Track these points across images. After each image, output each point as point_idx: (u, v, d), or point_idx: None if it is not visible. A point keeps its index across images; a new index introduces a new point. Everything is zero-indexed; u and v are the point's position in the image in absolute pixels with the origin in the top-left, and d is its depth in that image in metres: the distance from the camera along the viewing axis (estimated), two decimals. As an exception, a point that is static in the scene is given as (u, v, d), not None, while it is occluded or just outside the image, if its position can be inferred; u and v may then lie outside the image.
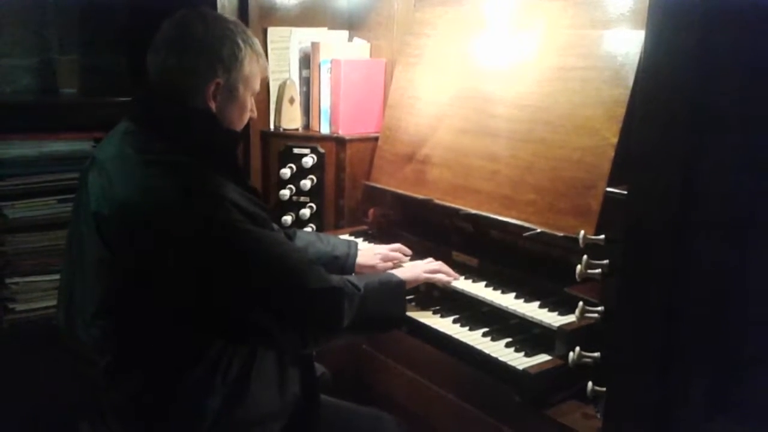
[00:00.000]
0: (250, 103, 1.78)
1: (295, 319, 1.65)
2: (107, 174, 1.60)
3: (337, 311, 1.69)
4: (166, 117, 1.65)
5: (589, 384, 1.56)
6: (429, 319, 2.01)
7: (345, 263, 2.13)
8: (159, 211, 1.53)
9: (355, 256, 2.16)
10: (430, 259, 2.16)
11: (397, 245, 2.30)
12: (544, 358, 1.76)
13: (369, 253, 2.22)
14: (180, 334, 1.59)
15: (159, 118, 1.65)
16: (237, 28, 1.72)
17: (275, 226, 1.76)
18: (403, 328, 2.07)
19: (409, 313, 2.03)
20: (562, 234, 1.88)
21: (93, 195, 1.61)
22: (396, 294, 1.91)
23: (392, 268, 2.16)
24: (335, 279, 1.74)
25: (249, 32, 1.75)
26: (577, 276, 1.64)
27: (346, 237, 2.41)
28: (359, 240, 2.46)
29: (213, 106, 1.68)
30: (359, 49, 2.77)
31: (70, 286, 1.75)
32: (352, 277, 1.85)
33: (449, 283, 2.08)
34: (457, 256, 2.22)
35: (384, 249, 2.27)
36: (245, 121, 1.79)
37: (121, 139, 1.66)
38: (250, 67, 1.72)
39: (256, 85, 1.78)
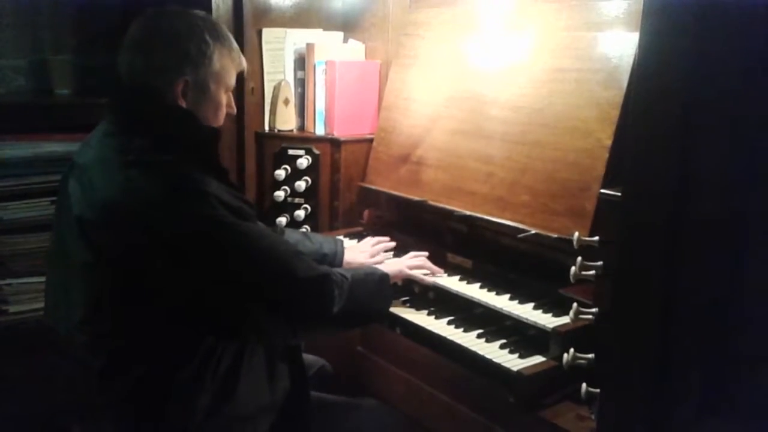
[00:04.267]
0: (226, 98, 1.77)
1: (285, 308, 1.66)
2: (88, 177, 1.60)
3: (327, 298, 1.71)
4: (142, 117, 1.65)
5: (584, 385, 1.56)
6: (424, 320, 2.01)
7: (333, 260, 2.14)
8: (143, 211, 1.52)
9: (343, 253, 2.19)
10: (413, 254, 2.17)
11: (377, 239, 2.34)
12: (538, 359, 1.76)
13: (355, 250, 2.25)
14: (170, 332, 1.59)
15: (135, 119, 1.65)
16: (205, 24, 1.70)
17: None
18: (397, 330, 2.07)
19: (404, 315, 2.03)
20: (556, 235, 1.88)
21: (75, 199, 1.61)
22: (380, 286, 1.93)
23: (379, 263, 2.17)
24: (323, 267, 1.77)
25: (220, 27, 1.73)
26: (571, 277, 1.65)
27: (344, 239, 2.41)
28: (353, 242, 2.46)
29: (183, 104, 1.67)
30: (354, 50, 2.77)
31: (55, 290, 1.75)
32: (339, 269, 1.89)
33: (431, 282, 2.09)
34: (451, 257, 2.22)
35: (368, 245, 2.29)
36: (221, 118, 1.78)
37: (100, 141, 1.66)
38: (220, 62, 1.70)
39: (230, 81, 1.76)
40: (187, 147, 1.64)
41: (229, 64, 1.74)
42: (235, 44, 1.77)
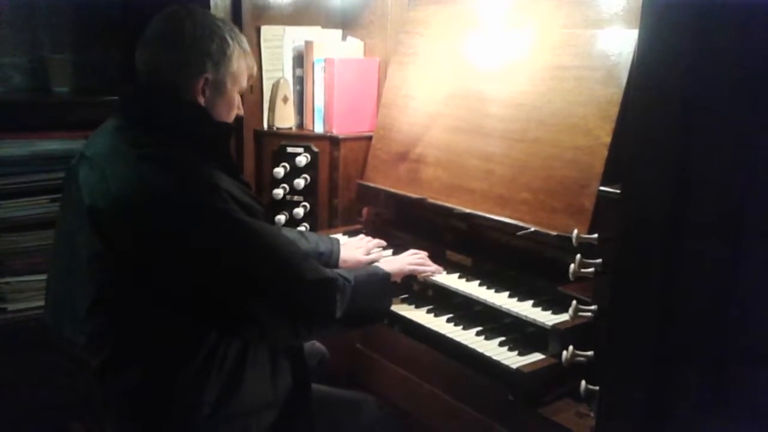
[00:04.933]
0: (237, 100, 1.80)
1: (289, 310, 1.67)
2: (100, 169, 1.60)
3: (331, 302, 1.72)
4: (157, 112, 1.66)
5: (583, 383, 1.56)
6: (423, 318, 2.01)
7: (329, 259, 2.15)
8: (155, 204, 1.53)
9: (339, 251, 2.20)
10: (412, 251, 2.18)
11: (369, 238, 2.36)
12: (537, 356, 1.76)
13: (350, 247, 2.25)
14: (177, 327, 1.60)
15: (150, 113, 1.66)
16: (225, 25, 1.74)
17: None
18: (396, 327, 2.07)
19: (403, 312, 2.04)
20: (555, 233, 1.88)
21: (86, 189, 1.61)
22: (383, 286, 1.94)
23: (375, 260, 2.17)
24: (328, 271, 1.78)
25: (237, 30, 1.77)
26: (570, 275, 1.65)
27: (339, 236, 2.41)
28: (345, 238, 2.45)
29: (202, 100, 1.69)
30: (353, 47, 2.76)
31: (58, 286, 1.75)
32: (342, 270, 1.89)
33: (432, 275, 2.10)
34: (450, 255, 2.22)
35: (363, 242, 2.31)
36: (233, 117, 1.81)
37: (112, 135, 1.67)
38: (237, 63, 1.74)
39: (244, 82, 1.79)
40: (200, 142, 1.65)
41: (244, 66, 1.77)
42: (249, 49, 1.80)
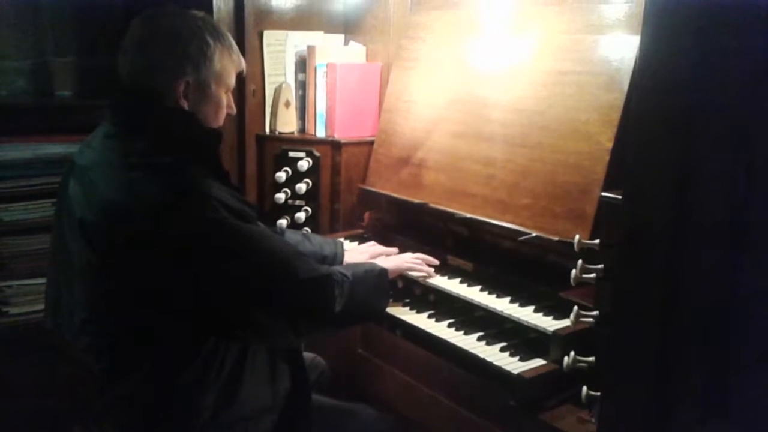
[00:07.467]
0: (226, 99, 1.76)
1: (287, 310, 1.67)
2: (90, 179, 1.60)
3: (330, 298, 1.72)
4: (141, 119, 1.64)
5: (584, 388, 1.56)
6: (424, 323, 2.00)
7: (333, 262, 2.14)
8: (145, 214, 1.52)
9: (343, 255, 2.19)
10: (409, 254, 2.19)
11: (381, 247, 2.34)
12: (538, 362, 1.76)
13: (355, 252, 2.25)
14: (173, 333, 1.59)
15: (136, 120, 1.64)
16: (205, 24, 1.69)
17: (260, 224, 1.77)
18: (397, 332, 2.07)
19: (405, 317, 2.03)
20: (557, 238, 1.88)
21: (76, 202, 1.61)
22: (380, 282, 1.93)
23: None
24: (324, 267, 1.78)
25: (219, 27, 1.73)
26: (572, 280, 1.64)
27: (341, 240, 2.41)
28: (354, 244, 2.46)
29: (185, 105, 1.66)
30: (355, 52, 2.77)
31: (56, 294, 1.75)
32: (340, 267, 1.89)
33: (428, 277, 2.10)
34: (452, 260, 2.22)
35: (369, 247, 2.30)
36: (222, 118, 1.77)
37: (102, 143, 1.66)
38: (221, 63, 1.70)
39: (231, 81, 1.76)
40: (189, 149, 1.63)
41: (229, 64, 1.73)
42: (234, 44, 1.76)
